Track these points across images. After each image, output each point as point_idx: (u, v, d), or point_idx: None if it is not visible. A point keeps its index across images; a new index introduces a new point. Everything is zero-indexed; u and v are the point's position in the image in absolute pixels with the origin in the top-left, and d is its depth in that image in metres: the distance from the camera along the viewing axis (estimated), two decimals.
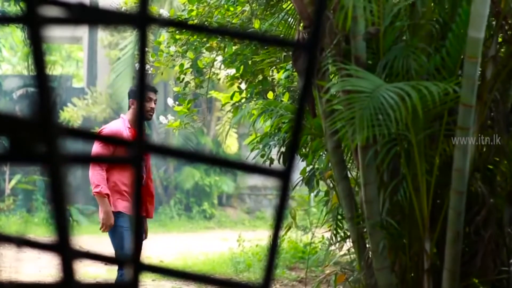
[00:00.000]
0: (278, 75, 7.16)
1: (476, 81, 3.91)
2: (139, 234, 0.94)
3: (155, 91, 5.81)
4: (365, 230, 4.43)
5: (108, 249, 5.64)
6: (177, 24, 1.01)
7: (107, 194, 5.48)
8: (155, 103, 5.74)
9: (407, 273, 4.33)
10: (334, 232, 4.81)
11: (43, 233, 12.78)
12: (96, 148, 5.50)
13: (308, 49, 0.92)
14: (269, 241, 0.96)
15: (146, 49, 0.86)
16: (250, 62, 6.91)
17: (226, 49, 7.10)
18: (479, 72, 3.97)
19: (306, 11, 4.21)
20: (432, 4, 4.28)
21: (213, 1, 6.68)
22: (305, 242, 10.31)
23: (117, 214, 5.54)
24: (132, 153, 0.89)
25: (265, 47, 6.05)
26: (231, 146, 16.55)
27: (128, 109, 5.84)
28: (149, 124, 14.94)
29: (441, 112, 4.07)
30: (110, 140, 0.90)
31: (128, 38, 15.76)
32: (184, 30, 6.14)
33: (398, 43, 4.21)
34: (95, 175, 5.47)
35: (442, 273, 4.13)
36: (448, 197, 4.10)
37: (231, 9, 6.66)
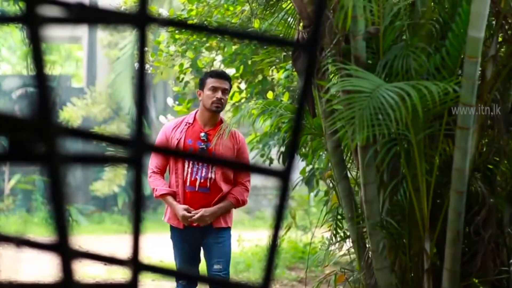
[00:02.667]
0: (278, 75, 7.16)
1: (476, 81, 3.91)
2: (138, 234, 0.93)
3: (223, 77, 4.86)
4: (365, 230, 4.43)
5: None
6: (177, 24, 1.01)
7: (165, 194, 4.81)
8: (224, 93, 4.83)
9: (407, 273, 4.33)
10: (334, 232, 4.80)
11: (43, 233, 12.78)
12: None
13: (307, 48, 0.92)
14: (268, 241, 0.96)
15: (146, 48, 0.86)
16: (249, 61, 6.91)
17: (225, 49, 7.11)
18: (479, 72, 3.97)
19: (306, 11, 4.21)
20: (432, 3, 4.28)
21: (213, 0, 6.68)
22: (305, 242, 10.32)
23: (171, 232, 4.98)
24: (132, 153, 0.89)
25: (265, 47, 6.05)
26: None
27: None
28: (149, 124, 14.94)
29: (441, 111, 4.07)
30: (110, 140, 0.90)
31: (128, 37, 15.76)
32: (183, 30, 6.14)
33: (398, 42, 4.21)
34: (149, 181, 4.91)
35: (442, 273, 4.13)
36: (448, 197, 4.10)
37: (231, 8, 6.66)
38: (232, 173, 4.83)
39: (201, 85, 4.88)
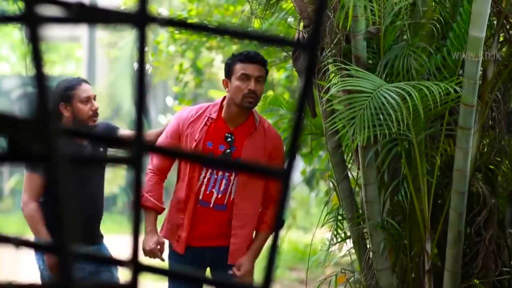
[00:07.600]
0: (278, 75, 7.16)
1: (478, 81, 3.91)
2: (138, 234, 0.93)
3: (257, 61, 3.74)
4: (365, 230, 4.42)
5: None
6: (177, 24, 1.00)
7: (151, 208, 3.76)
8: (259, 83, 3.70)
9: (407, 274, 4.32)
10: (335, 232, 4.80)
11: None
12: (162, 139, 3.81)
13: (308, 48, 0.92)
14: (269, 241, 0.96)
15: (146, 48, 0.85)
16: None
17: (225, 49, 7.11)
18: (480, 72, 3.97)
19: (306, 11, 4.20)
20: (433, 3, 4.28)
21: (213, 0, 6.68)
22: (306, 243, 10.32)
23: (169, 250, 3.88)
24: (132, 153, 0.89)
25: (265, 47, 6.04)
26: None
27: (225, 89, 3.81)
28: (149, 124, 14.92)
29: (442, 111, 4.07)
30: (108, 139, 0.90)
31: (128, 37, 15.76)
32: (183, 30, 6.13)
33: (398, 42, 4.20)
34: (145, 181, 3.80)
35: (443, 274, 4.13)
36: (449, 198, 4.09)
37: (231, 8, 6.66)
38: (259, 187, 3.75)
39: (228, 72, 3.73)
